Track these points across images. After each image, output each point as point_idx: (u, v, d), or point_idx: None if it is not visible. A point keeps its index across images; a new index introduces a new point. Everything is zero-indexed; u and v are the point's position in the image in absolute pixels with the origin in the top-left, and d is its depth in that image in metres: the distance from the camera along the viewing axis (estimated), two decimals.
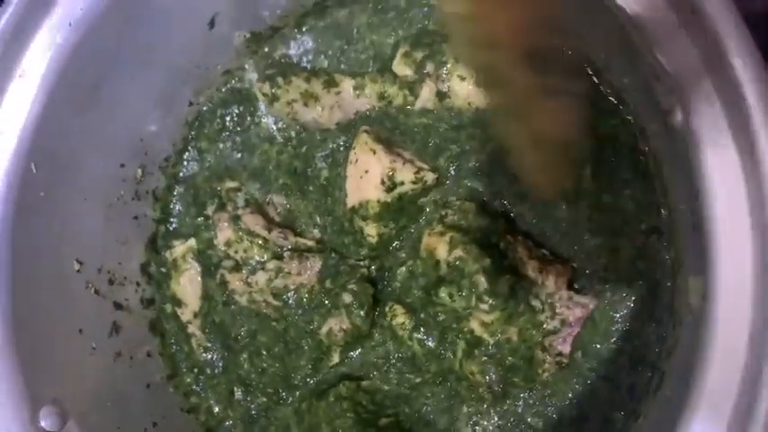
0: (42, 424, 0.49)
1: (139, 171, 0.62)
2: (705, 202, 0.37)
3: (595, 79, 0.54)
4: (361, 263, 0.59)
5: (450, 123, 0.57)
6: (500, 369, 0.52)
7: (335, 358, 0.59)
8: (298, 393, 0.60)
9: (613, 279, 0.53)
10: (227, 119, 0.65)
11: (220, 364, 0.62)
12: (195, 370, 0.63)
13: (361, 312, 0.56)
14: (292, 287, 0.59)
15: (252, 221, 0.60)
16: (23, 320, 0.50)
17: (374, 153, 0.55)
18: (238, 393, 0.62)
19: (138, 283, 0.62)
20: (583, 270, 0.54)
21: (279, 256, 0.59)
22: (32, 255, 0.52)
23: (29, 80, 0.50)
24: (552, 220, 0.54)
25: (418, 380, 0.56)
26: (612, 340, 0.52)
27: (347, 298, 0.57)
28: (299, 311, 0.59)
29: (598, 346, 0.52)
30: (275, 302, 0.60)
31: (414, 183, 0.55)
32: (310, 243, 0.61)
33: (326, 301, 0.58)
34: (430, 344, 0.54)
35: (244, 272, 0.60)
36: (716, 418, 0.37)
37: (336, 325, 0.58)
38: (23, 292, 0.51)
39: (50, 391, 0.50)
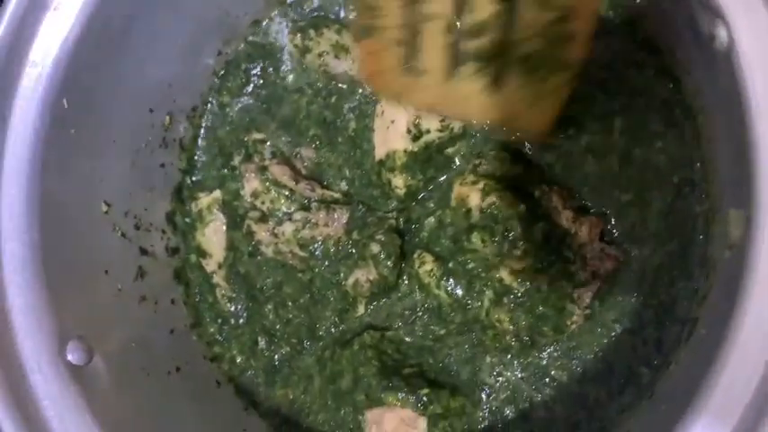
0: (69, 358, 0.49)
1: (167, 118, 0.62)
2: (752, 127, 0.36)
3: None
4: (389, 215, 0.58)
5: None
6: (530, 317, 0.52)
7: (361, 309, 0.59)
8: (321, 343, 0.60)
9: (644, 233, 0.52)
10: (254, 71, 0.65)
11: (245, 315, 0.62)
12: (219, 320, 0.63)
13: (389, 263, 0.56)
14: (319, 238, 0.59)
15: (279, 172, 0.60)
16: (52, 257, 0.50)
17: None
18: (262, 343, 0.62)
19: (163, 231, 0.62)
20: (613, 224, 0.53)
21: (306, 208, 0.59)
22: (62, 192, 0.52)
23: (64, 13, 0.50)
24: (581, 173, 0.54)
25: (443, 331, 0.56)
26: (641, 294, 0.52)
27: (375, 248, 0.56)
28: (326, 263, 0.59)
29: (626, 299, 0.52)
30: (301, 253, 0.59)
31: (440, 131, 0.55)
32: (337, 195, 0.60)
33: (353, 252, 0.58)
34: (458, 292, 0.54)
35: (270, 223, 0.60)
36: (755, 358, 0.36)
37: (363, 276, 0.57)
38: (53, 228, 0.51)
39: (77, 327, 0.50)
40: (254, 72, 0.65)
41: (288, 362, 0.61)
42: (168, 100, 0.62)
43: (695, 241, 0.50)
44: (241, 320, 0.62)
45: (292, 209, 0.59)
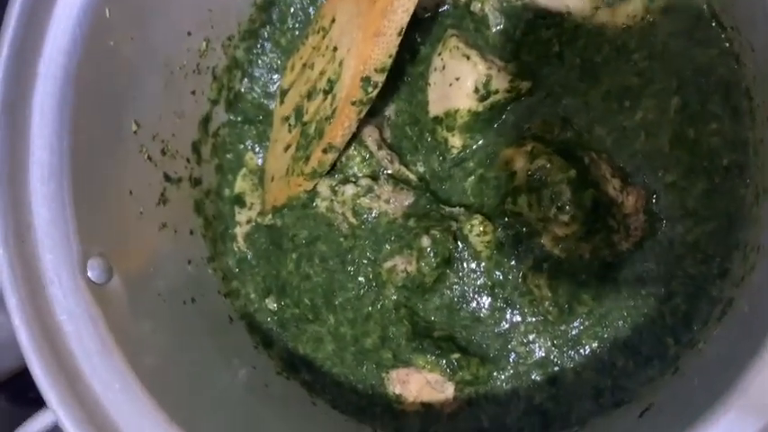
0: (89, 275, 0.47)
1: (203, 44, 0.59)
2: None
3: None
4: (454, 222, 0.55)
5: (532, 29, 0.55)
6: (572, 284, 0.51)
7: (390, 295, 0.57)
8: (333, 318, 0.59)
9: (683, 211, 0.52)
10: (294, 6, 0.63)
11: (264, 255, 0.61)
12: (236, 256, 0.62)
13: (433, 261, 0.54)
14: (375, 211, 0.56)
15: (367, 132, 0.57)
16: (79, 170, 0.48)
17: (468, 59, 0.53)
18: (272, 297, 0.61)
19: (188, 160, 0.60)
20: (654, 199, 0.53)
21: (375, 177, 0.57)
22: (95, 105, 0.50)
23: None
24: (631, 149, 0.53)
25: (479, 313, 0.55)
26: (671, 267, 0.52)
27: (425, 242, 0.54)
28: (372, 237, 0.57)
29: (657, 270, 0.52)
30: (352, 219, 0.57)
31: (508, 92, 0.53)
32: (412, 177, 0.58)
33: (403, 237, 0.55)
34: (498, 258, 0.53)
35: (335, 178, 0.57)
36: None
37: (402, 265, 0.55)
38: (82, 141, 0.48)
39: (98, 244, 0.48)
40: (295, 6, 0.63)
41: (296, 323, 0.60)
42: (206, 25, 0.59)
43: (736, 224, 0.50)
44: (260, 260, 0.61)
45: (362, 173, 0.57)
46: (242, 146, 0.64)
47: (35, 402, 0.86)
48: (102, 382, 0.45)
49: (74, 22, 0.48)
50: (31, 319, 0.44)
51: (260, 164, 0.64)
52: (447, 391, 0.54)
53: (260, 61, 0.64)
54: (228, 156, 0.64)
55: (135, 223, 0.53)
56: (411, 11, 0.45)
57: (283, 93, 0.63)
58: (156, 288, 0.53)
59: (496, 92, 0.53)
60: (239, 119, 0.64)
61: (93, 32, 0.48)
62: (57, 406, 0.43)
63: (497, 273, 0.54)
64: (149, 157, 0.56)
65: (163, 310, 0.52)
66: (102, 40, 0.50)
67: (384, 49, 0.47)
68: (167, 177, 0.57)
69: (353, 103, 0.50)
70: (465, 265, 0.54)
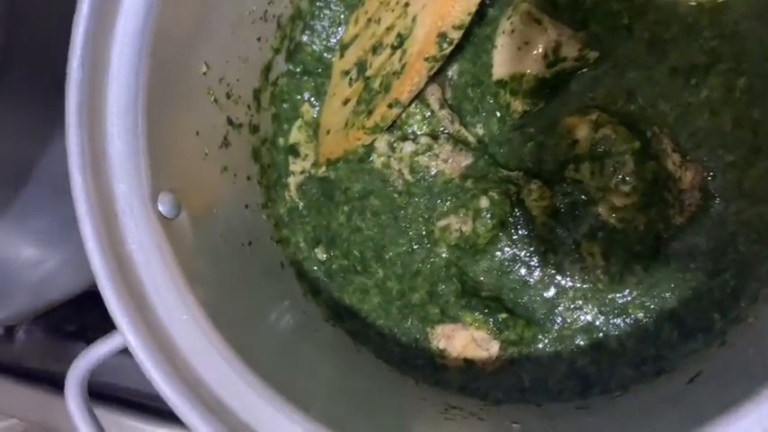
0: (159, 208, 0.49)
1: None
2: None
3: None
4: (512, 186, 0.56)
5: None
6: (626, 254, 0.52)
7: (441, 253, 0.58)
8: (382, 272, 0.60)
9: (739, 190, 0.53)
10: None
11: (315, 206, 0.62)
12: (287, 205, 0.63)
13: (489, 223, 0.55)
14: (433, 170, 0.57)
15: (430, 90, 0.57)
16: (153, 106, 0.49)
17: (539, 23, 0.53)
18: (321, 247, 0.62)
19: (248, 106, 0.61)
20: (710, 177, 0.53)
21: (435, 136, 0.57)
22: (169, 44, 0.50)
23: None
24: (693, 127, 0.54)
25: (532, 279, 0.56)
26: (722, 242, 0.53)
27: (483, 203, 0.55)
28: (427, 195, 0.58)
29: (708, 244, 0.53)
30: (409, 177, 0.58)
31: (576, 60, 0.54)
32: (471, 138, 0.58)
33: (460, 197, 0.57)
34: (553, 223, 0.54)
35: (394, 134, 0.58)
36: None
37: (457, 224, 0.56)
38: (157, 78, 0.49)
39: (168, 180, 0.49)
40: None
41: (343, 274, 0.61)
42: None
43: None
44: (311, 210, 0.62)
45: (422, 131, 0.58)
46: (299, 97, 0.65)
47: (70, 335, 0.88)
48: (168, 310, 0.46)
49: None
50: (105, 245, 0.46)
51: (316, 116, 0.65)
52: (492, 349, 0.55)
53: (323, 14, 0.65)
54: (285, 105, 0.64)
55: (200, 163, 0.54)
56: None
57: (344, 47, 0.64)
58: (218, 228, 0.54)
59: (564, 59, 0.54)
60: (298, 69, 0.64)
61: None
62: (126, 330, 0.44)
63: (551, 238, 0.55)
64: (215, 100, 0.56)
65: (223, 249, 0.53)
66: None
67: (464, 6, 0.48)
68: (230, 121, 0.58)
69: (426, 59, 0.51)
70: (519, 228, 0.55)
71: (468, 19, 0.49)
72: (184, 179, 0.51)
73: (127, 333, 0.45)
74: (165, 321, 0.46)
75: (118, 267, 0.46)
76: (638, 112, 0.54)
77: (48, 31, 0.52)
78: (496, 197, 0.55)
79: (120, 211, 0.47)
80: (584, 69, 0.55)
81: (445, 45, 0.50)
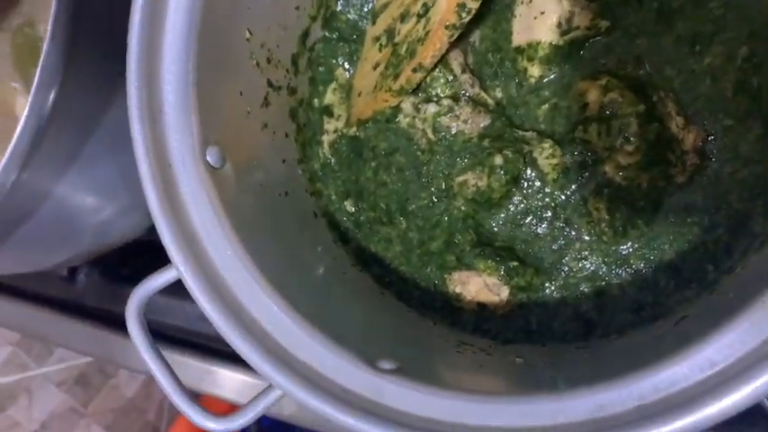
0: (208, 158, 0.55)
1: None
2: None
3: None
4: (525, 145, 0.60)
5: None
6: (629, 209, 0.57)
7: (459, 206, 0.63)
8: (405, 223, 0.66)
9: (735, 152, 0.56)
10: None
11: (345, 162, 0.68)
12: (321, 160, 0.69)
13: (503, 178, 0.60)
14: (454, 130, 0.62)
15: (453, 56, 0.62)
16: (202, 69, 0.55)
17: None
18: (350, 200, 0.68)
19: (287, 70, 0.66)
20: (708, 139, 0.57)
21: (456, 98, 0.62)
22: (216, 14, 0.56)
23: None
24: (695, 92, 0.57)
25: (540, 230, 0.61)
26: (716, 199, 0.56)
27: (498, 160, 0.60)
28: (448, 153, 0.63)
29: (704, 201, 0.57)
30: (431, 136, 0.63)
31: (588, 29, 0.58)
32: (490, 101, 0.63)
33: (477, 155, 0.62)
34: (565, 181, 0.59)
35: (419, 96, 0.63)
36: None
37: (473, 180, 0.61)
38: (206, 37, 0.55)
39: (215, 134, 0.55)
40: None
41: (370, 224, 0.67)
42: None
43: None
44: (342, 166, 0.68)
45: (444, 94, 0.62)
46: (334, 61, 0.70)
47: (124, 278, 0.97)
48: (214, 247, 0.53)
49: None
50: (160, 190, 0.52)
51: (349, 79, 0.70)
52: (502, 294, 0.61)
53: None
54: (321, 69, 0.70)
55: (244, 120, 0.61)
56: None
57: (375, 14, 0.69)
58: (258, 179, 0.60)
59: (577, 28, 0.58)
60: (334, 36, 0.69)
61: None
62: (180, 263, 0.51)
63: (560, 194, 0.60)
64: (257, 64, 0.62)
65: (263, 197, 0.60)
66: None
67: None
68: (270, 84, 0.64)
69: (447, 27, 0.56)
70: (531, 185, 0.60)
71: None
72: (229, 134, 0.58)
73: (180, 265, 0.51)
74: (211, 256, 0.52)
75: (171, 209, 0.52)
76: (645, 78, 0.58)
77: (110, 10, 0.59)
78: (510, 155, 0.59)
79: (173, 161, 0.54)
80: (597, 38, 0.59)
81: (464, 14, 0.54)
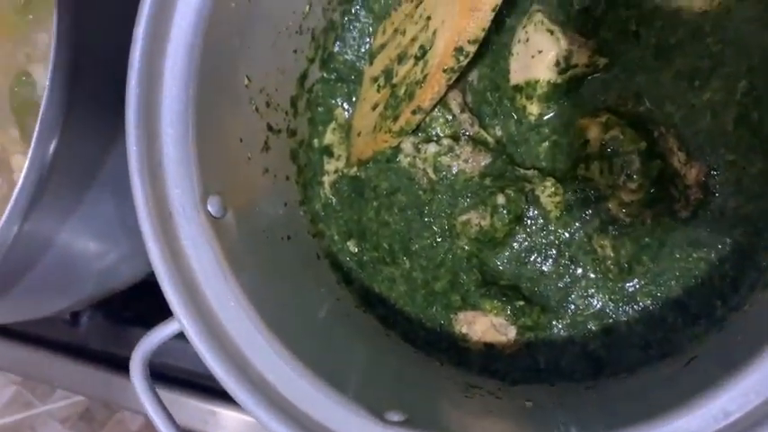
0: (209, 208, 0.55)
1: (307, 7, 0.65)
2: None
3: None
4: (527, 183, 0.60)
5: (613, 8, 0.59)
6: (634, 246, 0.57)
7: (463, 246, 0.63)
8: (408, 263, 0.65)
9: (738, 187, 0.56)
10: None
11: (347, 202, 0.67)
12: (322, 201, 0.68)
13: (506, 218, 0.59)
14: (455, 169, 0.62)
15: (452, 96, 0.62)
16: (201, 116, 0.55)
17: (551, 34, 0.58)
18: (353, 241, 0.67)
19: (286, 113, 0.66)
20: (711, 174, 0.57)
21: (456, 138, 0.62)
22: (216, 60, 0.56)
23: None
24: (695, 127, 0.57)
25: (546, 267, 0.61)
26: (721, 233, 0.56)
27: (500, 199, 0.60)
28: (449, 192, 0.63)
29: (712, 239, 0.56)
30: (432, 175, 0.63)
31: (586, 66, 0.58)
32: (490, 139, 0.63)
33: (479, 195, 0.61)
34: (568, 219, 0.59)
35: (419, 136, 0.63)
36: None
37: (476, 219, 0.61)
38: (205, 91, 0.55)
39: (216, 183, 0.55)
40: None
41: (373, 264, 0.67)
42: None
43: None
44: (344, 206, 0.68)
45: (444, 133, 0.62)
46: (333, 101, 0.70)
47: (128, 320, 0.96)
48: (217, 298, 0.52)
49: None
50: (162, 242, 0.52)
51: (348, 118, 0.70)
52: (509, 334, 0.60)
53: (353, 26, 0.70)
54: (320, 109, 0.70)
55: (244, 167, 0.60)
56: None
57: (372, 55, 0.69)
58: (260, 225, 0.60)
59: (575, 66, 0.58)
60: (332, 77, 0.70)
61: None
62: (182, 316, 0.51)
63: (564, 232, 0.59)
64: (256, 109, 0.62)
65: (265, 243, 0.60)
66: (227, 1, 0.56)
67: (479, 22, 0.52)
68: (270, 127, 0.64)
69: (445, 71, 0.56)
70: (535, 223, 0.60)
71: (482, 34, 0.53)
72: (230, 182, 0.57)
73: (182, 319, 0.51)
74: (214, 308, 0.52)
75: (173, 261, 0.52)
76: (645, 114, 0.58)
77: (109, 52, 0.58)
78: (512, 194, 0.59)
79: (174, 212, 0.53)
80: (595, 74, 0.59)
81: (462, 58, 0.54)
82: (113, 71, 0.57)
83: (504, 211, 0.59)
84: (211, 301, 0.52)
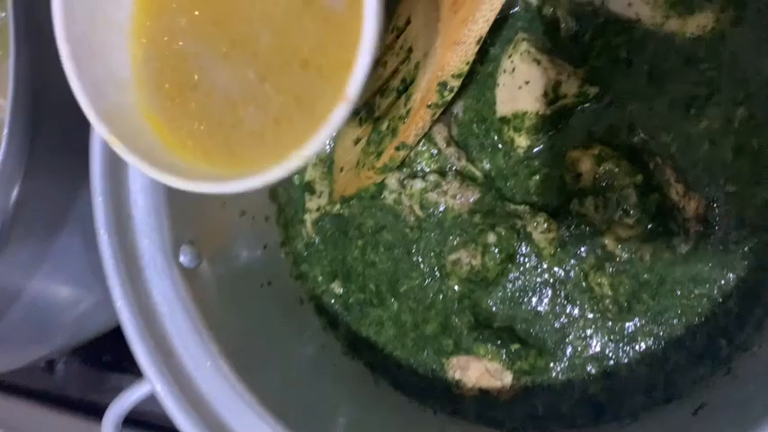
0: (181, 260, 0.52)
1: None
2: None
3: None
4: (518, 220, 0.57)
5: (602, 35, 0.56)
6: (633, 283, 0.54)
7: (453, 286, 0.60)
8: (396, 305, 0.62)
9: (741, 221, 0.53)
10: None
11: (330, 241, 0.64)
12: (304, 241, 0.65)
13: (497, 257, 0.56)
14: (442, 206, 0.59)
15: (437, 130, 0.59)
16: None
17: (538, 63, 0.55)
18: (338, 282, 0.64)
19: None
20: (712, 206, 0.54)
21: (443, 173, 0.59)
22: None
23: None
24: (693, 157, 0.54)
25: (542, 308, 0.57)
26: (724, 268, 0.53)
27: (491, 238, 0.57)
28: (437, 230, 0.60)
29: (714, 275, 0.53)
30: (419, 212, 0.60)
31: (576, 96, 0.55)
32: (478, 174, 0.60)
33: (468, 232, 0.58)
34: (562, 256, 0.56)
35: (404, 172, 0.60)
36: None
37: (467, 258, 0.58)
38: None
39: (188, 232, 0.52)
40: None
41: (360, 307, 0.63)
42: None
43: None
44: (328, 245, 0.64)
45: (430, 168, 0.59)
46: None
47: (106, 366, 0.92)
48: (192, 358, 0.49)
49: None
50: (131, 299, 0.49)
51: (329, 152, 0.67)
52: (505, 379, 0.57)
53: None
54: None
55: (219, 212, 0.57)
56: (491, 21, 0.47)
57: None
58: (237, 272, 0.57)
59: (565, 96, 0.55)
60: None
61: None
62: (154, 379, 0.48)
63: (559, 270, 0.56)
64: None
65: (244, 293, 0.56)
66: None
67: (462, 56, 0.49)
68: None
69: (429, 106, 0.53)
70: (528, 261, 0.57)
71: (466, 68, 0.50)
72: (204, 229, 0.54)
73: (155, 382, 0.48)
74: (189, 369, 0.49)
75: (144, 320, 0.49)
76: (640, 144, 0.55)
77: (71, 104, 0.56)
78: (503, 233, 0.56)
79: (144, 265, 0.50)
80: (586, 104, 0.56)
81: (446, 93, 0.52)
82: (77, 113, 0.54)
83: (496, 250, 0.56)
84: (186, 362, 0.49)
